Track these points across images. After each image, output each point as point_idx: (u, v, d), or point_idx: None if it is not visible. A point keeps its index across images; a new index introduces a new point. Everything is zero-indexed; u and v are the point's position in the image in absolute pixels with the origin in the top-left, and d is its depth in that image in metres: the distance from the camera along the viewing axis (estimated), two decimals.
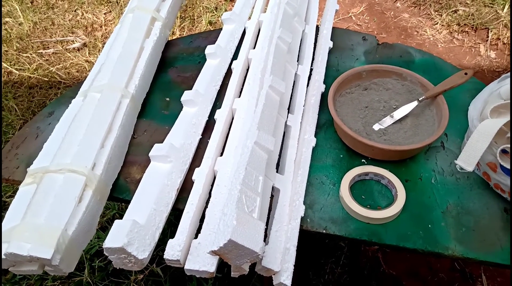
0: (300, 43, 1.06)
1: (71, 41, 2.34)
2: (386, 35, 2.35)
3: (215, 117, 0.88)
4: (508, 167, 0.71)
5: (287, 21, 1.00)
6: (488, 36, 2.22)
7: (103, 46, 2.28)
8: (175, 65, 1.06)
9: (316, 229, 0.75)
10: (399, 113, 0.87)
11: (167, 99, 0.98)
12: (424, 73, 1.00)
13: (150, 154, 0.79)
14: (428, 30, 2.32)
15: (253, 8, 1.14)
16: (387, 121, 0.87)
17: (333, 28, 1.10)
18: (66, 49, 2.28)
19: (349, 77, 0.91)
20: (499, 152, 0.71)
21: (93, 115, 0.82)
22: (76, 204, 0.71)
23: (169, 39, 1.12)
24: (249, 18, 1.13)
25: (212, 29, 2.32)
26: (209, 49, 0.99)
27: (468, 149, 0.72)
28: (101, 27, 2.43)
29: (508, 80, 0.77)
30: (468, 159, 0.72)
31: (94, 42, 2.31)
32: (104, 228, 1.47)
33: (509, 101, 0.74)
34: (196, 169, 0.79)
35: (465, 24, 2.27)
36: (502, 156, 0.72)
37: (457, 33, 2.27)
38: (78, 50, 2.29)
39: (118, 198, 0.81)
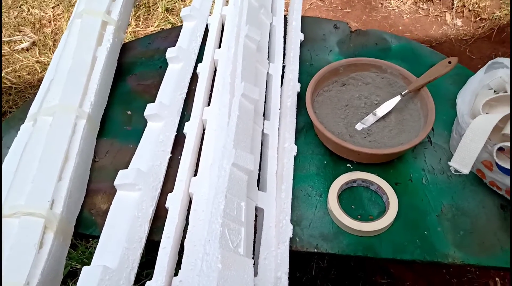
0: (269, 37, 0.97)
1: (19, 40, 2.17)
2: (350, 9, 2.28)
3: (184, 131, 0.80)
4: (506, 166, 0.66)
5: (253, 15, 0.91)
6: (453, 4, 2.18)
7: (53, 44, 2.13)
8: (134, 72, 0.96)
9: (306, 249, 0.69)
10: (382, 110, 0.81)
11: (128, 112, 0.88)
12: (403, 61, 0.94)
13: (116, 182, 0.70)
14: (393, 1, 2.26)
15: (214, 1, 1.04)
16: (370, 119, 0.81)
17: (302, 17, 1.02)
18: (14, 50, 2.12)
19: (325, 74, 0.84)
20: (496, 150, 0.66)
21: (45, 144, 0.73)
22: (36, 252, 0.63)
23: (124, 42, 1.01)
24: (210, 13, 1.03)
25: (169, 16, 2.19)
26: (170, 53, 0.90)
27: (462, 149, 0.67)
28: (49, 22, 2.26)
29: (497, 71, 0.71)
30: (462, 160, 0.67)
31: (44, 40, 2.15)
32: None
33: (502, 94, 0.69)
34: (169, 195, 0.71)
35: None
36: (499, 154, 0.67)
37: (421, 3, 2.22)
38: (27, 50, 2.13)
39: (84, 234, 0.72)
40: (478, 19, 2.14)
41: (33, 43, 2.16)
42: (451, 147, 0.80)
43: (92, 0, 0.93)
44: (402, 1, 2.25)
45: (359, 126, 0.81)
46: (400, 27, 2.16)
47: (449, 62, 0.79)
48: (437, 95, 0.86)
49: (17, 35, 2.20)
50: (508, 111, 0.67)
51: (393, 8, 2.24)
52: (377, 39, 0.99)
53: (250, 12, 0.91)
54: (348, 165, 0.79)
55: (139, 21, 2.18)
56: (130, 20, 2.15)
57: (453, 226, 0.71)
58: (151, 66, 0.97)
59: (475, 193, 0.75)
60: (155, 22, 2.18)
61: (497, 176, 0.70)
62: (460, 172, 0.66)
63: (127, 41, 1.04)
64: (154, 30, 2.14)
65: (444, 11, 2.18)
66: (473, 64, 1.98)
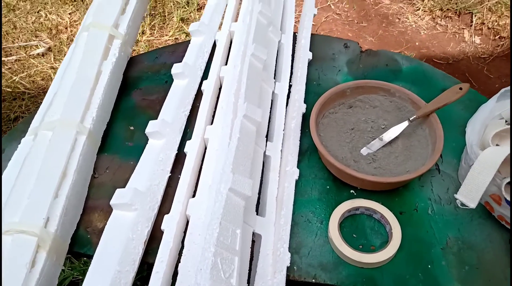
0: (277, 55, 0.96)
1: (35, 46, 2.20)
2: (366, 23, 2.25)
3: (185, 150, 0.79)
4: None
5: (261, 33, 0.90)
6: (472, 21, 2.14)
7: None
8: (139, 87, 0.95)
9: (304, 278, 0.67)
10: (388, 135, 0.79)
11: (131, 127, 0.87)
12: (413, 84, 0.92)
13: (112, 202, 0.69)
14: (410, 16, 2.23)
15: (224, 16, 1.03)
16: (376, 144, 0.79)
17: (312, 35, 1.01)
18: (30, 55, 2.14)
19: (332, 96, 0.82)
20: (505, 185, 0.63)
21: (44, 159, 0.72)
22: (28, 271, 0.62)
23: (132, 56, 1.01)
24: (220, 28, 1.02)
25: (184, 25, 2.19)
26: (175, 68, 0.89)
27: (469, 182, 0.64)
28: (66, 28, 2.29)
29: (510, 100, 0.68)
30: (469, 194, 0.64)
31: (60, 46, 2.17)
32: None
33: None
34: (166, 217, 0.70)
35: (448, 9, 2.19)
36: (507, 189, 0.64)
37: (440, 19, 2.19)
38: (43, 55, 2.15)
39: (78, 253, 0.71)
40: (497, 37, 2.09)
41: (49, 49, 2.18)
42: (459, 176, 0.77)
43: (100, 12, 0.93)
44: (420, 16, 2.22)
45: (364, 151, 0.78)
46: (417, 43, 2.13)
47: (460, 88, 0.76)
48: (447, 121, 0.83)
49: (34, 41, 2.22)
50: None
51: (411, 23, 2.21)
52: (387, 60, 0.97)
53: (258, 30, 0.89)
54: (351, 191, 0.76)
55: (154, 30, 2.18)
56: (145, 29, 2.17)
57: (458, 260, 0.68)
58: (157, 81, 0.96)
59: (483, 226, 0.72)
60: (169, 31, 2.18)
61: (505, 211, 0.67)
62: (467, 206, 0.63)
63: (136, 54, 1.03)
64: (169, 39, 2.15)
65: (463, 28, 2.14)
66: (490, 83, 1.93)
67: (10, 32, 2.26)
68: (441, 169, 0.79)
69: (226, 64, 0.93)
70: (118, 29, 0.93)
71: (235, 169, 0.66)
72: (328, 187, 0.77)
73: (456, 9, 2.17)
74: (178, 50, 1.02)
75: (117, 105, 0.90)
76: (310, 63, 0.96)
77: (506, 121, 0.70)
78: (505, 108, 0.68)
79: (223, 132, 0.77)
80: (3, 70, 2.05)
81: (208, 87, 0.87)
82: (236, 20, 1.01)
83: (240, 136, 0.70)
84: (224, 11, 1.05)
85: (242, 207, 0.63)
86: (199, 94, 0.89)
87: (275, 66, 0.93)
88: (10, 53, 2.16)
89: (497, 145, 0.68)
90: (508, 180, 0.63)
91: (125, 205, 0.69)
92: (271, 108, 0.86)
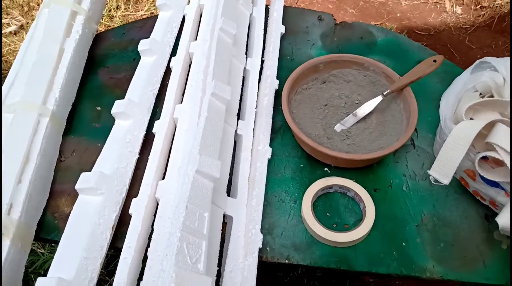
0: (248, 29, 0.92)
1: (6, 23, 2.11)
2: None
3: (153, 130, 0.76)
4: (489, 177, 0.62)
5: (230, 6, 0.86)
6: None
7: None
8: (106, 65, 0.91)
9: (277, 260, 0.66)
10: (362, 111, 0.77)
11: (98, 108, 0.84)
12: (388, 56, 0.89)
13: (77, 186, 0.67)
14: None
15: None
16: (350, 120, 0.77)
17: (285, 7, 0.97)
18: (2, 33, 2.06)
19: (304, 71, 0.80)
20: (478, 160, 0.62)
21: (4, 144, 0.69)
22: None
23: (98, 32, 0.96)
24: (188, 1, 0.98)
25: None
26: (142, 45, 0.85)
27: (442, 158, 0.63)
28: (38, 5, 2.20)
29: (484, 72, 0.67)
30: (442, 169, 0.63)
31: (32, 23, 2.09)
32: None
33: (487, 98, 0.65)
34: (134, 200, 0.67)
35: None
36: (482, 164, 0.63)
37: None
38: (15, 33, 2.07)
39: (46, 239, 0.69)
40: (478, 7, 2.07)
41: (21, 27, 2.10)
42: (434, 151, 0.76)
43: None
44: None
45: (338, 127, 0.76)
46: (398, 14, 2.10)
47: (434, 61, 0.74)
48: (423, 94, 0.82)
49: (5, 18, 2.13)
50: (493, 117, 0.63)
51: None
52: (362, 33, 0.94)
53: (227, 2, 0.85)
54: (325, 169, 0.75)
55: (129, 5, 2.11)
56: (119, 3, 2.09)
57: (433, 237, 0.67)
58: (124, 58, 0.92)
59: (459, 202, 0.71)
60: (145, 6, 2.12)
61: (480, 187, 0.66)
62: (440, 183, 0.62)
63: (107, 28, 0.99)
64: (145, 15, 2.08)
65: None
66: (471, 54, 1.92)
67: None
68: (416, 144, 0.78)
69: (196, 39, 0.89)
70: (81, 5, 0.89)
71: (203, 150, 0.63)
72: (301, 165, 0.75)
73: None
74: (147, 25, 0.98)
75: (83, 85, 0.87)
76: (283, 37, 0.93)
77: (480, 94, 0.68)
78: (479, 80, 0.66)
79: (192, 111, 0.74)
80: None
81: (177, 64, 0.84)
82: None
83: (208, 115, 0.68)
84: None
85: (210, 189, 0.61)
86: (168, 72, 0.86)
87: (247, 41, 0.90)
88: None
89: (471, 119, 0.66)
90: (483, 154, 0.61)
91: (90, 190, 0.66)
92: (242, 85, 0.83)
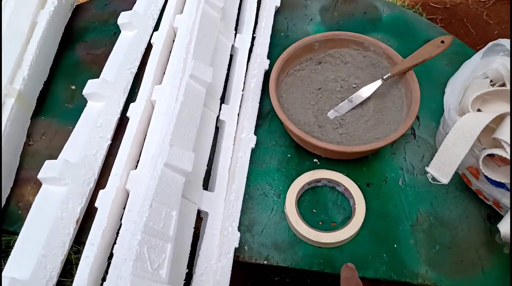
0: (240, 2, 0.84)
1: None
2: None
3: (127, 113, 0.69)
4: (495, 177, 0.55)
5: None
6: None
7: None
8: (85, 39, 0.84)
9: (255, 260, 0.60)
10: (359, 97, 0.69)
11: (73, 87, 0.78)
12: (393, 34, 0.81)
13: (40, 175, 0.61)
14: None
15: None
16: (345, 106, 0.69)
17: None
18: None
19: (297, 51, 0.72)
20: (483, 157, 0.55)
21: None
22: None
23: (79, 3, 0.89)
24: None
25: None
26: (122, 18, 0.78)
27: (442, 154, 0.56)
28: None
29: (496, 57, 0.58)
30: (442, 167, 0.56)
31: None
32: None
33: (497, 87, 0.57)
34: (101, 192, 0.62)
35: None
36: (487, 162, 0.56)
37: None
38: None
39: (8, 231, 0.64)
40: None
41: None
42: (437, 143, 0.68)
43: None
44: None
45: (331, 114, 0.69)
46: None
47: (442, 42, 0.66)
48: (428, 77, 0.74)
49: None
50: (504, 110, 0.55)
51: None
52: (366, 7, 0.85)
53: None
54: (315, 160, 0.68)
55: None
56: None
57: (429, 238, 0.61)
58: (104, 32, 0.85)
59: (459, 200, 0.64)
60: None
61: (483, 186, 0.59)
62: (438, 182, 0.55)
63: (81, 2, 0.92)
64: None
65: None
66: (489, 29, 1.80)
67: None
68: (417, 134, 0.70)
69: (182, 12, 0.82)
70: None
71: (175, 140, 0.57)
72: (289, 155, 0.69)
73: None
74: None
75: (58, 61, 0.80)
76: (278, 11, 0.85)
77: (491, 81, 0.60)
78: (490, 66, 0.58)
79: (171, 93, 0.67)
80: None
81: (158, 40, 0.77)
82: None
83: (185, 100, 0.61)
84: None
85: (181, 185, 0.55)
86: (150, 48, 0.78)
87: (238, 15, 0.82)
88: None
89: (478, 110, 0.59)
90: (488, 152, 0.54)
91: (54, 179, 0.61)
92: (229, 65, 0.76)
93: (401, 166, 0.67)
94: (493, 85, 0.60)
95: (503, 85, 0.58)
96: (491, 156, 0.55)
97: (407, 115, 0.64)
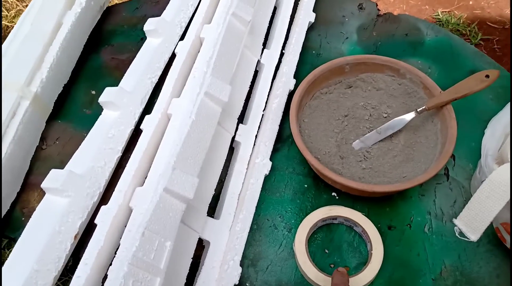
0: (273, 14, 0.80)
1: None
2: None
3: (141, 126, 0.67)
4: None
5: None
6: None
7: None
8: (111, 43, 0.82)
9: None
10: (388, 129, 0.63)
11: (93, 92, 0.76)
12: (435, 61, 0.74)
13: (43, 184, 0.59)
14: None
15: None
16: (372, 137, 0.64)
17: None
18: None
19: (325, 73, 0.67)
20: None
21: None
22: None
23: (110, 4, 0.87)
24: None
25: None
26: (149, 24, 0.75)
27: (473, 206, 0.49)
28: None
29: None
30: (472, 222, 0.49)
31: None
32: None
33: None
34: (102, 208, 0.59)
35: None
36: None
37: None
38: None
39: (9, 237, 0.63)
40: None
41: None
42: (472, 188, 0.62)
43: None
44: None
45: (357, 145, 0.64)
46: (471, 2, 1.85)
47: (487, 76, 0.59)
48: (470, 112, 0.67)
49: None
50: None
51: None
52: (408, 29, 0.78)
53: None
54: (333, 194, 0.63)
55: None
56: None
57: None
58: (132, 37, 0.83)
59: (491, 256, 0.57)
60: None
61: None
62: (467, 238, 0.49)
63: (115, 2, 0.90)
64: None
65: None
66: None
67: None
68: (451, 175, 0.64)
69: (210, 23, 0.78)
70: None
71: (180, 162, 0.53)
72: (306, 185, 0.64)
73: None
74: (164, 0, 0.87)
75: (82, 64, 0.78)
76: (312, 27, 0.80)
77: None
78: None
79: (187, 109, 0.64)
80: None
81: (182, 50, 0.74)
82: None
83: (196, 119, 0.57)
84: None
85: (180, 212, 0.52)
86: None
87: (269, 29, 0.78)
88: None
89: None
90: None
91: (56, 190, 0.58)
92: (253, 82, 0.71)
93: (429, 210, 0.61)
94: None
95: None
96: None
97: (440, 155, 0.58)
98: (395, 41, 0.77)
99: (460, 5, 1.86)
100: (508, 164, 0.49)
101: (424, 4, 1.90)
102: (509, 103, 0.60)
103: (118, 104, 0.66)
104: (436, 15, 1.81)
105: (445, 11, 1.83)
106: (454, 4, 1.86)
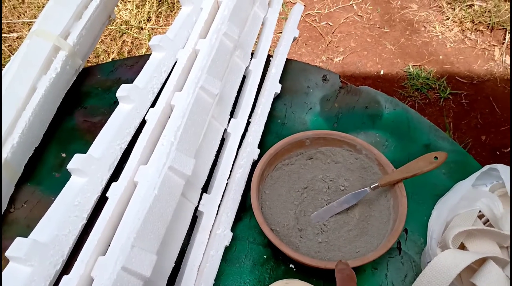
0: (242, 84, 0.83)
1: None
2: (389, 29, 2.08)
3: (107, 194, 0.68)
4: None
5: (221, 59, 0.78)
6: (505, 38, 1.93)
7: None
8: (84, 105, 0.85)
9: None
10: (344, 203, 0.66)
11: (63, 154, 0.78)
12: (392, 134, 0.78)
13: (7, 253, 0.60)
14: (438, 26, 2.04)
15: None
16: (329, 210, 0.67)
17: (290, 61, 0.88)
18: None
19: (286, 146, 0.70)
20: None
21: None
22: None
23: (87, 66, 0.90)
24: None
25: None
26: (121, 90, 0.78)
27: None
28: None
29: (481, 195, 0.55)
30: None
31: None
32: None
33: (484, 227, 0.53)
34: (64, 278, 0.60)
35: (480, 22, 1.99)
36: None
37: (470, 32, 1.99)
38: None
39: None
40: None
41: None
42: (422, 263, 0.64)
43: (48, 18, 0.83)
44: (448, 27, 2.03)
45: (315, 217, 0.67)
46: (441, 57, 1.95)
47: (435, 158, 0.63)
48: (422, 186, 0.71)
49: None
50: (488, 251, 0.51)
51: (437, 33, 2.02)
52: (368, 102, 0.83)
53: (218, 54, 0.77)
54: (291, 265, 0.65)
55: (160, 18, 2.07)
56: (151, 15, 2.06)
57: None
58: (105, 99, 0.86)
59: None
60: None
61: None
62: None
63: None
64: None
65: (494, 45, 1.94)
66: None
67: (17, 7, 2.20)
68: (403, 249, 0.67)
69: (181, 90, 0.81)
70: (68, 39, 0.83)
71: (139, 239, 0.56)
72: (265, 256, 0.66)
73: (489, 23, 1.98)
74: (138, 65, 0.91)
75: (55, 126, 0.80)
76: (279, 96, 0.84)
77: (480, 211, 0.56)
78: (477, 201, 0.54)
79: (152, 178, 0.66)
80: (2, 47, 1.99)
81: (153, 117, 0.76)
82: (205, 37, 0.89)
83: (159, 193, 0.60)
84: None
85: None
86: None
87: (238, 98, 0.81)
88: (14, 29, 2.10)
89: (462, 244, 0.55)
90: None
91: (20, 259, 0.60)
92: (219, 151, 0.74)
93: (381, 284, 0.63)
94: (482, 217, 0.56)
95: (489, 225, 0.55)
96: None
97: (391, 232, 0.61)
98: (355, 113, 0.81)
99: (430, 59, 1.96)
100: (448, 252, 0.52)
101: (396, 57, 1.99)
102: (457, 185, 0.64)
103: (85, 171, 0.68)
104: (407, 69, 1.90)
105: (416, 65, 1.92)
106: (424, 58, 1.95)
